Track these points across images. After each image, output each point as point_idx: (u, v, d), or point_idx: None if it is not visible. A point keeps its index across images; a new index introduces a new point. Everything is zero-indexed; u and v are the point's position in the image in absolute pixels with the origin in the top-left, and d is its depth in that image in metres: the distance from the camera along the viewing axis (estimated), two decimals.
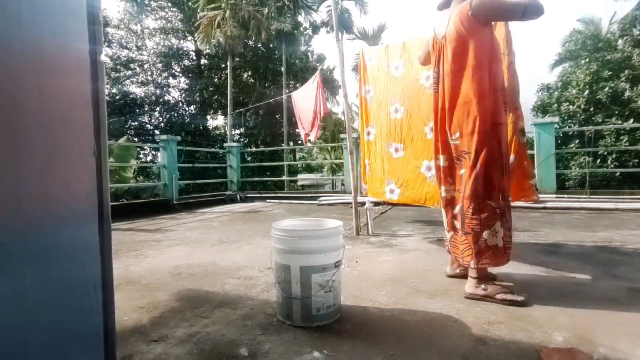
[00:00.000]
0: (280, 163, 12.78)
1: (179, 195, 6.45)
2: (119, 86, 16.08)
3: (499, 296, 1.69)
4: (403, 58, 3.13)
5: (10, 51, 0.65)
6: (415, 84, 2.99)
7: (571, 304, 1.68)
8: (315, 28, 19.23)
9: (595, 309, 1.62)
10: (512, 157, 2.16)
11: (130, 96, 16.33)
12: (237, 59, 16.80)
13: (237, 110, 14.90)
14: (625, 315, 1.54)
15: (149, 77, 17.46)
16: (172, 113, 17.25)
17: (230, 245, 3.10)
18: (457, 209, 1.87)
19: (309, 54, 20.50)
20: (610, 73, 9.15)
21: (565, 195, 5.72)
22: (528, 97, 11.58)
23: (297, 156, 20.50)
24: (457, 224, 1.85)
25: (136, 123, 16.58)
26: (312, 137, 5.08)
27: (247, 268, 2.38)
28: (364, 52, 3.54)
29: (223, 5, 13.85)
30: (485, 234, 1.73)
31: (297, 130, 5.91)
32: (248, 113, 17.24)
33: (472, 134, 1.77)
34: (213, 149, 13.65)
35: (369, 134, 3.45)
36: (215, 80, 18.49)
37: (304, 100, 5.16)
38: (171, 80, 18.02)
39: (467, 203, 1.78)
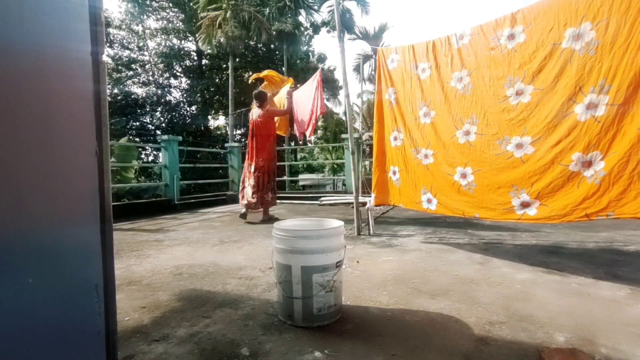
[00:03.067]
0: (282, 163, 12.77)
1: (180, 195, 6.45)
2: (121, 86, 16.12)
3: None
4: (429, 60, 3.01)
5: (13, 52, 0.66)
6: (446, 87, 2.89)
7: (573, 304, 1.68)
8: (316, 28, 19.25)
9: (597, 309, 1.61)
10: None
11: (132, 96, 16.37)
12: (238, 59, 16.82)
13: (238, 111, 14.91)
14: (627, 316, 1.54)
15: (151, 78, 17.51)
16: (174, 113, 17.29)
17: (231, 245, 3.11)
18: None
19: (309, 54, 20.52)
20: None
21: None
22: None
23: (298, 156, 20.50)
24: None
25: (138, 123, 16.61)
26: (307, 134, 5.09)
27: (248, 268, 2.38)
28: (384, 52, 3.41)
29: (224, 5, 13.88)
30: None
31: (293, 131, 5.86)
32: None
33: None
34: (214, 149, 13.66)
35: (395, 139, 3.29)
36: (217, 80, 18.53)
37: (303, 99, 5.16)
38: (172, 81, 18.06)
39: None
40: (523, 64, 2.46)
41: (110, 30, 16.02)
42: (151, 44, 17.94)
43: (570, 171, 2.23)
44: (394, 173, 3.33)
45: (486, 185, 2.64)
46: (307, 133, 5.00)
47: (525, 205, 2.42)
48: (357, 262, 2.48)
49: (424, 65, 3.07)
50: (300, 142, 5.66)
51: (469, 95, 2.76)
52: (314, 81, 4.88)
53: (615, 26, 2.06)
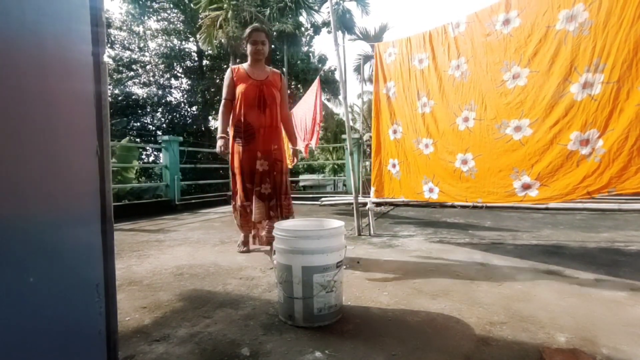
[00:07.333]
0: None
1: (181, 195, 6.45)
2: (121, 87, 16.14)
3: None
4: (427, 50, 3.04)
5: (14, 53, 0.66)
6: (444, 76, 2.92)
7: (574, 304, 1.67)
8: (316, 29, 19.25)
9: (598, 310, 1.61)
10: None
11: (133, 97, 16.38)
12: (238, 59, 16.81)
13: None
14: (629, 316, 1.53)
15: (151, 78, 17.52)
16: (174, 114, 17.29)
17: (232, 246, 3.11)
18: None
19: (310, 54, 20.51)
20: None
21: None
22: None
23: (299, 156, 20.47)
24: None
25: (138, 124, 16.62)
26: (312, 145, 5.06)
27: (248, 268, 2.38)
28: (380, 47, 3.42)
29: (225, 6, 13.89)
30: None
31: (296, 147, 5.76)
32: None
33: None
34: (215, 150, 13.65)
35: (395, 132, 3.32)
36: (217, 81, 18.49)
37: (303, 111, 5.12)
38: (173, 81, 18.06)
39: None
40: (519, 47, 2.49)
41: (111, 31, 16.05)
42: (152, 44, 17.95)
43: (569, 150, 2.26)
44: (394, 166, 3.35)
45: (487, 169, 2.66)
46: (313, 143, 4.96)
47: (526, 187, 2.45)
48: (358, 262, 2.48)
49: (421, 55, 3.09)
50: (306, 156, 5.50)
51: (467, 82, 2.79)
52: (313, 90, 4.87)
53: (608, 5, 2.09)
